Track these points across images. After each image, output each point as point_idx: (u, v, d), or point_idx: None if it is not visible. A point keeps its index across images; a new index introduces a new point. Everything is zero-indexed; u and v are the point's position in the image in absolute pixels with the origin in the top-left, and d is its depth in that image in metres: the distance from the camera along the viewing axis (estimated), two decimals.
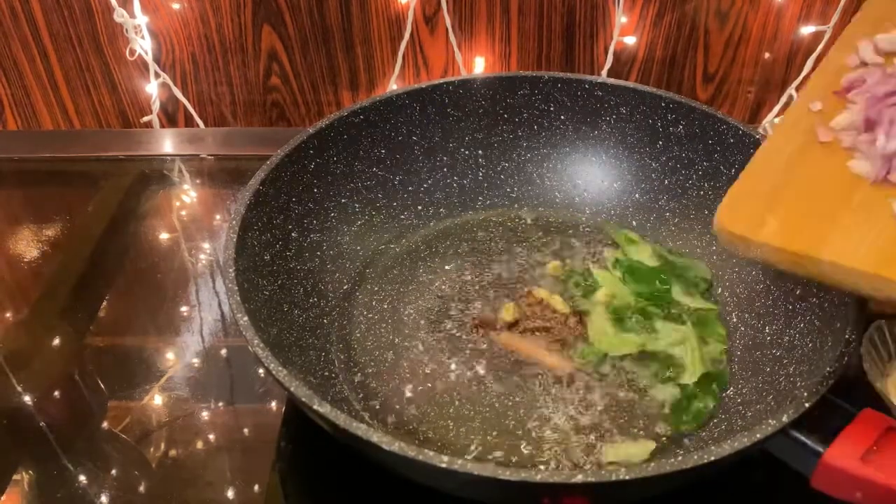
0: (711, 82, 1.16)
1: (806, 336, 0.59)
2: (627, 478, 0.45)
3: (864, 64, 0.57)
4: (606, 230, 0.78)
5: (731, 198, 0.52)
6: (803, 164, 0.53)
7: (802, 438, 0.48)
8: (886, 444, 0.46)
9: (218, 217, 0.89)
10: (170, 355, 0.72)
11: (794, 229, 0.49)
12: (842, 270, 0.47)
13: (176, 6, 1.13)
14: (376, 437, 0.47)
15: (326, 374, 0.65)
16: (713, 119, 0.74)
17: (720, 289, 0.72)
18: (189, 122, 1.24)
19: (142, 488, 0.61)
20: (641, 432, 0.60)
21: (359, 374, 0.66)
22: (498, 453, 0.59)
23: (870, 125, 0.52)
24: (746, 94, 1.16)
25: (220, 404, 0.68)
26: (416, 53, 1.18)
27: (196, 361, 0.72)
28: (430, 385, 0.64)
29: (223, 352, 0.73)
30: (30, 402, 0.69)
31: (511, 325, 0.68)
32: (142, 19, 1.12)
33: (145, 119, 1.23)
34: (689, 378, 0.63)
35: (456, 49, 1.16)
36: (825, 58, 0.61)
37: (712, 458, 0.46)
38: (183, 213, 0.91)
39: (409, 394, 0.64)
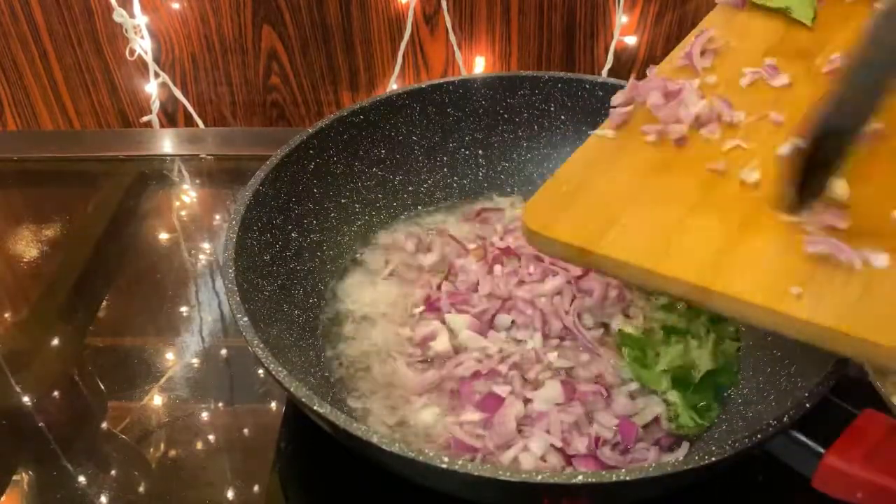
0: None
1: None
2: (628, 478, 0.45)
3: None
4: None
5: (535, 196, 0.53)
6: (610, 166, 0.54)
7: (803, 439, 0.48)
8: (887, 445, 0.46)
9: (218, 217, 0.89)
10: (170, 355, 0.72)
11: (581, 226, 0.50)
12: (618, 265, 0.48)
13: (175, 6, 1.13)
14: (376, 437, 0.47)
15: (326, 374, 0.65)
16: None
17: None
18: (189, 122, 1.24)
19: (142, 488, 0.61)
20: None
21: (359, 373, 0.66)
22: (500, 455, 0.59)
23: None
24: None
25: (220, 404, 0.68)
26: (416, 53, 1.18)
27: (196, 361, 0.72)
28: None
29: (223, 352, 0.73)
30: (30, 403, 0.69)
31: None
32: (141, 19, 1.12)
33: (145, 119, 1.23)
34: (697, 374, 0.63)
35: (456, 49, 1.16)
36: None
37: (713, 459, 0.46)
38: (183, 213, 0.91)
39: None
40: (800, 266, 0.45)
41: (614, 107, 0.59)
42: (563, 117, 0.81)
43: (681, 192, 0.51)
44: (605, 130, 0.57)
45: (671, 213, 0.50)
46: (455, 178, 0.82)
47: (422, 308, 0.70)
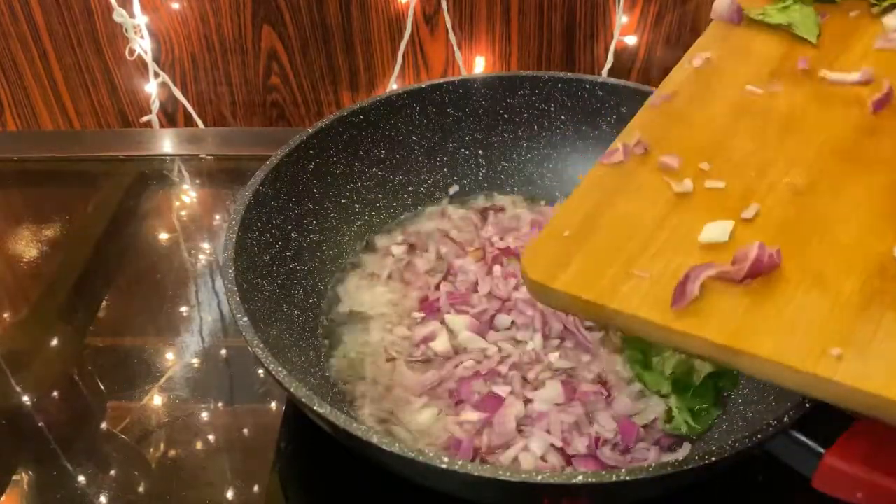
0: None
1: None
2: (628, 478, 0.45)
3: None
4: None
5: (536, 240, 0.48)
6: (613, 207, 0.49)
7: (803, 439, 0.47)
8: (887, 445, 0.46)
9: (218, 217, 0.89)
10: (170, 355, 0.72)
11: (590, 276, 0.45)
12: (630, 320, 0.43)
13: (175, 6, 1.13)
14: (376, 437, 0.47)
15: (326, 374, 0.65)
16: None
17: None
18: (188, 121, 1.24)
19: (142, 488, 0.61)
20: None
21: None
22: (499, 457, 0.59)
23: None
24: None
25: (220, 404, 0.68)
26: (416, 53, 1.18)
27: (196, 361, 0.72)
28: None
29: (223, 352, 0.73)
30: (30, 402, 0.69)
31: None
32: (141, 19, 1.12)
33: (145, 119, 1.23)
34: (698, 377, 0.63)
35: (456, 49, 1.16)
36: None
37: (713, 459, 0.46)
38: (183, 213, 0.91)
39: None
40: (838, 323, 0.40)
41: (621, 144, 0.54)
42: (563, 117, 0.81)
43: (699, 236, 0.46)
44: (611, 160, 0.53)
45: (692, 259, 0.45)
46: (455, 178, 0.82)
47: (421, 309, 0.70)
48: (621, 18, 1.13)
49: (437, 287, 0.71)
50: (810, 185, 0.49)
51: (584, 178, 0.52)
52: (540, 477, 0.45)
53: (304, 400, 0.50)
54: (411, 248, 0.76)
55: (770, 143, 0.52)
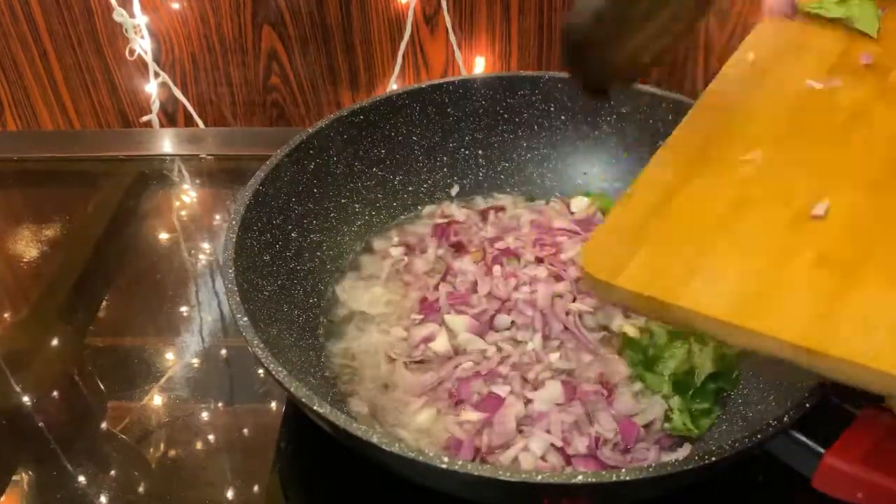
0: None
1: None
2: (628, 478, 0.45)
3: None
4: None
5: (595, 235, 0.47)
6: (677, 199, 0.48)
7: (803, 439, 0.48)
8: (887, 445, 0.46)
9: (218, 217, 0.89)
10: (170, 355, 0.72)
11: (655, 272, 0.44)
12: (697, 318, 0.42)
13: (175, 6, 1.13)
14: (376, 437, 0.47)
15: (326, 374, 0.65)
16: None
17: None
18: (189, 121, 1.24)
19: (142, 488, 0.61)
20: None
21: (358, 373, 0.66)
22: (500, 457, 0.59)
23: None
24: None
25: (220, 404, 0.68)
26: (416, 53, 1.18)
27: (196, 361, 0.72)
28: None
29: (223, 352, 0.73)
30: (30, 403, 0.69)
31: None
32: (141, 19, 1.12)
33: (145, 119, 1.23)
34: (699, 378, 0.63)
35: (456, 49, 1.16)
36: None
37: (713, 459, 0.46)
38: (183, 213, 0.91)
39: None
40: None
41: None
42: (563, 117, 0.81)
43: (770, 231, 0.45)
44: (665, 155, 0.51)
45: (762, 257, 0.43)
46: (455, 178, 0.82)
47: (420, 310, 0.70)
48: None
49: (437, 287, 0.71)
50: (881, 183, 0.47)
51: (642, 172, 0.51)
52: (540, 477, 0.46)
53: (304, 400, 0.50)
54: (410, 248, 0.76)
55: (836, 140, 0.51)
